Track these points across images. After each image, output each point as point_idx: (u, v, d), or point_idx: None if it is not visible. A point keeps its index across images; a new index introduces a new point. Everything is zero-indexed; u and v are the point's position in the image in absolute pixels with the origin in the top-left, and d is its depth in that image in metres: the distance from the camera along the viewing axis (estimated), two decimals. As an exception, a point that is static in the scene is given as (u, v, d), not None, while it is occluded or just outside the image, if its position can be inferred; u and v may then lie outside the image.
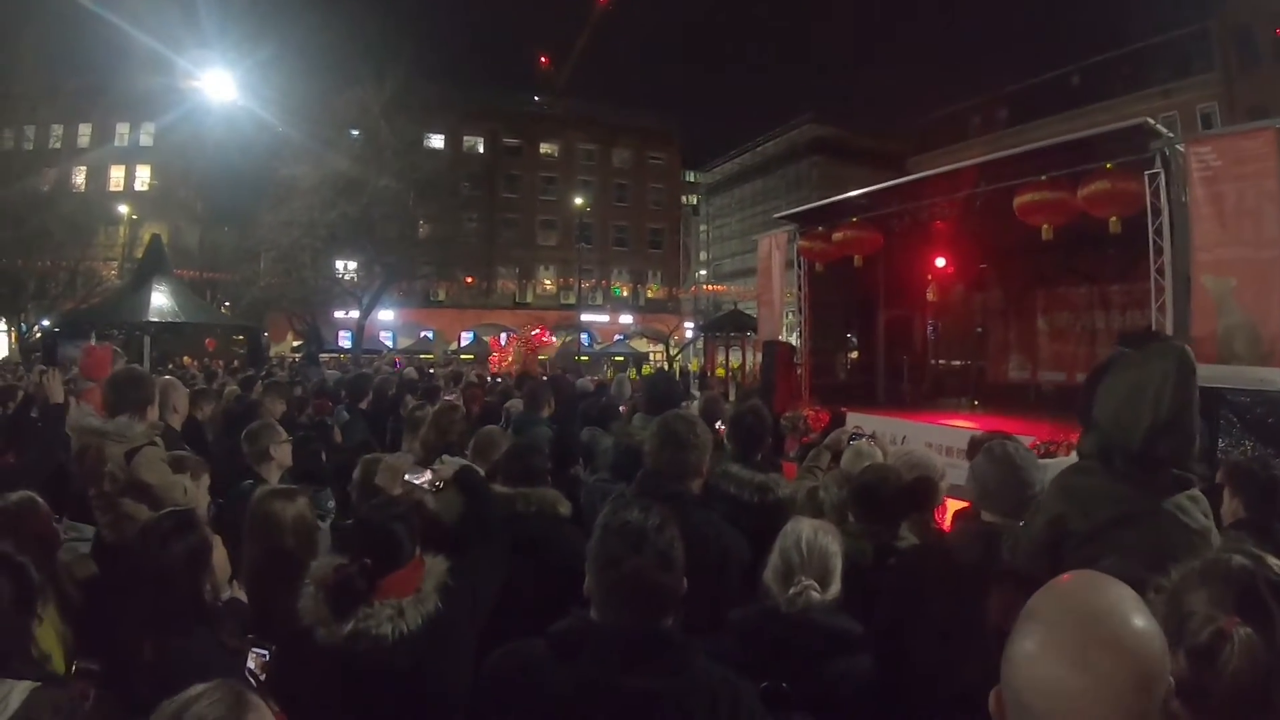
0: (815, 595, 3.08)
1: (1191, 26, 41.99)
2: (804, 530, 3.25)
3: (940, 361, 20.06)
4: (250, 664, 2.85)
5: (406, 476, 3.67)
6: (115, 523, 4.34)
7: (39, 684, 2.36)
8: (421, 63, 41.45)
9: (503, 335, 46.16)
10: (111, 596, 3.53)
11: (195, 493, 4.36)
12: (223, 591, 3.13)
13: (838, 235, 15.57)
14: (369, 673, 2.83)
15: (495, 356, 33.21)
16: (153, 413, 4.72)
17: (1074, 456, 3.59)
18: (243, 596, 3.34)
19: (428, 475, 3.71)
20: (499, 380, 15.26)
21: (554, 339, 38.23)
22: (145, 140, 49.45)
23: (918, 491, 4.31)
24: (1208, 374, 4.96)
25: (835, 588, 3.16)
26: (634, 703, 2.15)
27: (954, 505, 4.39)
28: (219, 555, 3.11)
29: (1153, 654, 1.26)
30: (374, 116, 39.18)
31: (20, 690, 2.31)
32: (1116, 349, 3.38)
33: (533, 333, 32.92)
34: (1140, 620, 1.28)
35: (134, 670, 2.69)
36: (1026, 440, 4.85)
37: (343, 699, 2.86)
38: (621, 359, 42.37)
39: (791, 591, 3.10)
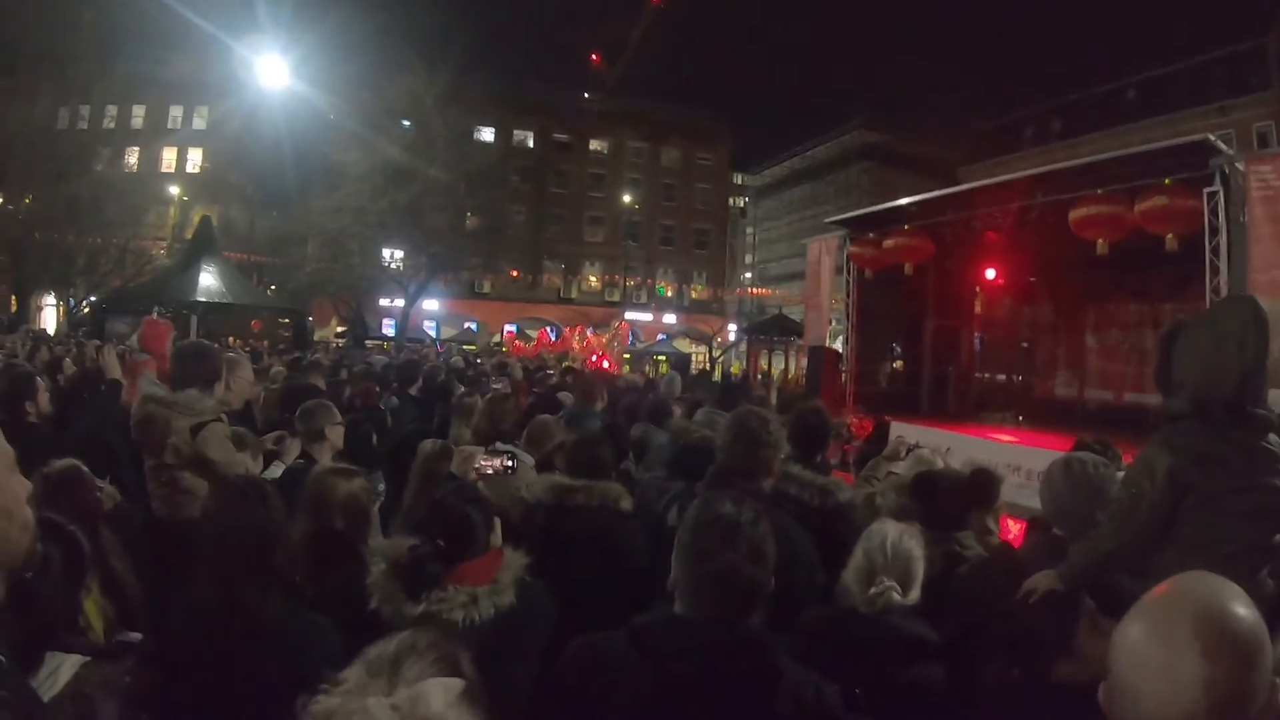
0: (896, 597, 3.07)
1: (1249, 43, 41.39)
2: (889, 532, 3.25)
3: (986, 375, 19.89)
4: None
5: (481, 461, 3.66)
6: (170, 496, 4.35)
7: (89, 659, 2.36)
8: (474, 55, 41.66)
9: (549, 329, 46.30)
10: (160, 569, 3.55)
11: (256, 472, 4.39)
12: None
13: (889, 242, 15.49)
14: None
15: (580, 347, 33.39)
16: (219, 388, 4.74)
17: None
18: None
19: (497, 462, 3.71)
20: (546, 373, 15.28)
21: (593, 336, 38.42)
22: (199, 123, 49.87)
23: (977, 487, 4.33)
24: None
25: (915, 593, 3.16)
26: (719, 699, 2.14)
27: (1011, 524, 4.37)
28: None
29: (1258, 645, 1.30)
30: (426, 107, 39.42)
31: (70, 665, 2.32)
32: (1178, 318, 3.49)
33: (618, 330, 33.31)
34: (1245, 612, 1.33)
35: (186, 641, 2.68)
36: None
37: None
38: (665, 358, 42.32)
39: (872, 591, 3.10)
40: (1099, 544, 3.25)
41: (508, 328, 53.08)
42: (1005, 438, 13.48)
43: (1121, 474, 3.62)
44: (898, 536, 3.24)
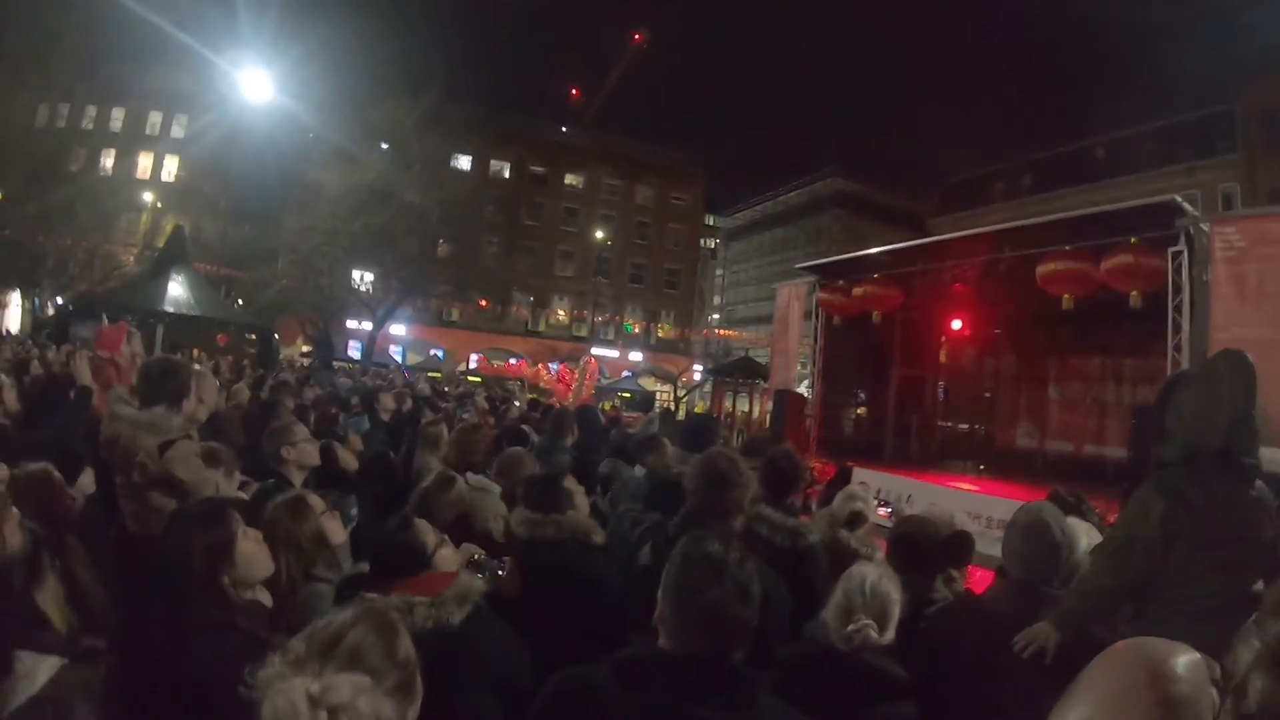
0: (873, 635, 3.17)
1: (1217, 107, 42.31)
2: (869, 574, 3.41)
3: (948, 423, 20.03)
4: None
5: (476, 557, 3.67)
6: (140, 514, 4.31)
7: (67, 661, 2.35)
8: (455, 82, 41.72)
9: (510, 362, 46.22)
10: (128, 584, 3.54)
11: (226, 489, 4.35)
12: (248, 589, 3.06)
13: (858, 290, 15.63)
14: None
15: (559, 385, 33.41)
16: (188, 405, 4.71)
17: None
18: (265, 598, 3.25)
19: (495, 563, 3.71)
20: (510, 406, 15.24)
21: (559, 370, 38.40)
22: (177, 131, 49.70)
23: (954, 548, 4.43)
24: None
25: (890, 633, 3.26)
26: None
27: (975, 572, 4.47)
28: (251, 549, 3.06)
29: (1201, 709, 1.37)
30: (406, 131, 39.46)
31: (48, 666, 2.31)
32: (1179, 369, 3.68)
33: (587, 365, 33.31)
34: (1188, 686, 1.37)
35: (144, 653, 2.67)
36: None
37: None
38: (629, 395, 42.32)
39: (850, 628, 3.19)
40: (1092, 586, 3.35)
41: (474, 357, 52.95)
42: (966, 486, 13.58)
43: (1088, 524, 3.75)
44: (877, 579, 3.36)
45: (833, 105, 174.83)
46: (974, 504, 10.92)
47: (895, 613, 3.31)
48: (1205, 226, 10.32)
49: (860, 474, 11.32)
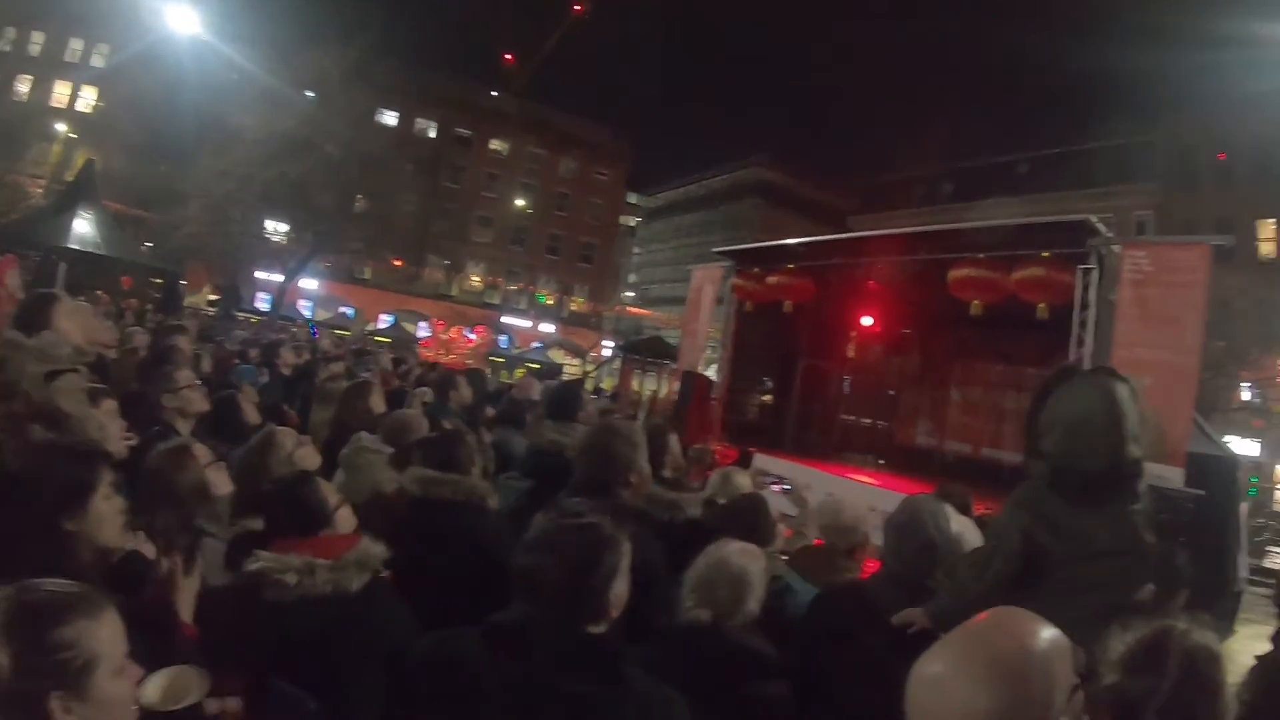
0: (729, 615, 3.21)
1: (1140, 137, 43.64)
2: (726, 551, 3.35)
3: (851, 417, 20.26)
4: None
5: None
6: (21, 449, 4.14)
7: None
8: (388, 36, 40.75)
9: (422, 324, 45.77)
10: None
11: (109, 431, 4.20)
12: (117, 541, 2.86)
13: (772, 279, 15.70)
14: (272, 626, 2.71)
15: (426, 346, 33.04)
16: (74, 336, 4.55)
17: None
18: (148, 550, 3.02)
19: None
20: (411, 368, 15.06)
21: (473, 337, 38.11)
22: (97, 61, 48.02)
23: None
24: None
25: (750, 608, 3.27)
26: (568, 706, 2.15)
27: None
28: (107, 511, 2.82)
29: (1047, 677, 1.43)
30: (332, 81, 38.44)
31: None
32: (1050, 381, 3.70)
33: (463, 333, 32.97)
34: (1042, 656, 1.44)
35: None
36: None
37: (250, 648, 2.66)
38: (538, 366, 42.18)
39: (698, 610, 3.23)
40: (962, 588, 3.42)
41: (384, 318, 52.32)
42: (865, 478, 13.75)
43: (962, 521, 3.86)
44: (733, 555, 3.37)
45: (766, 96, 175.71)
46: (872, 496, 11.04)
47: (753, 589, 3.33)
48: (1116, 248, 10.54)
49: (761, 460, 11.43)
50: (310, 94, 39.45)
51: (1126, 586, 3.38)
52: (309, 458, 4.03)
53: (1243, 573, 9.44)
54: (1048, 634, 1.47)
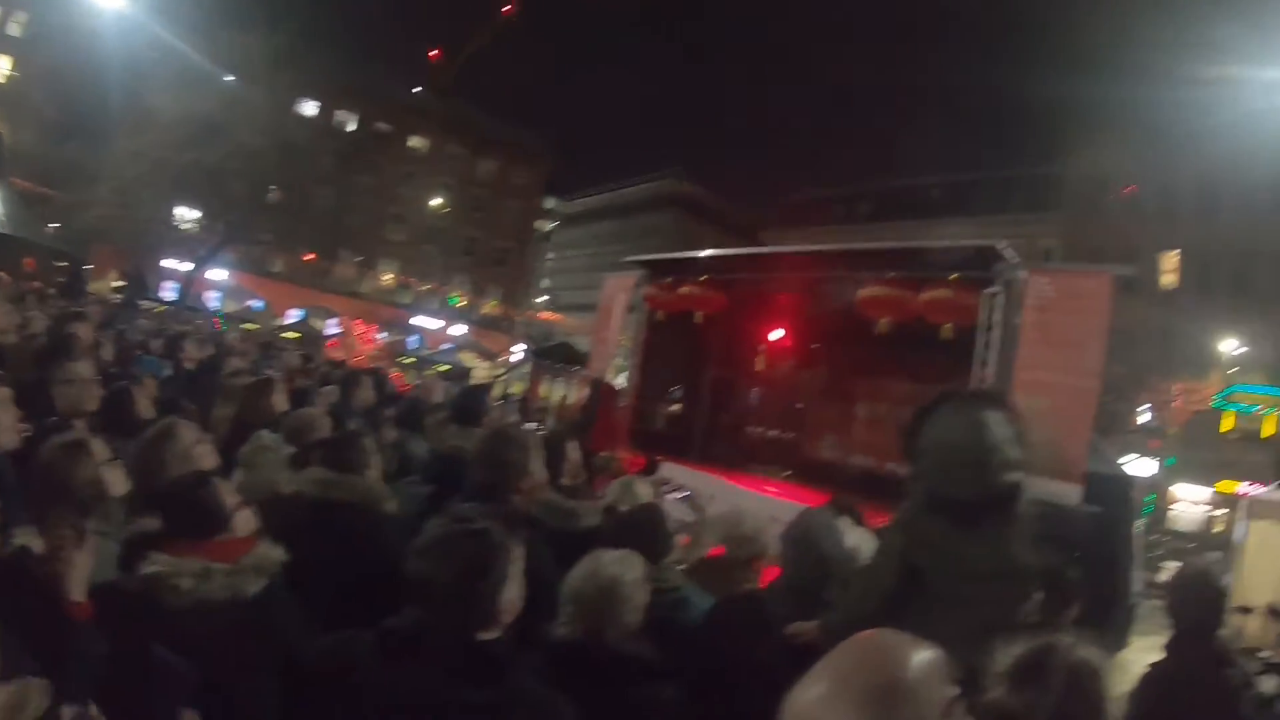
0: (604, 624, 3.24)
1: (1050, 167, 45.18)
2: (599, 561, 3.39)
3: (758, 429, 20.38)
4: None
5: None
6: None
7: None
8: (314, 24, 40.05)
9: (330, 321, 45.19)
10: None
11: (3, 421, 4.06)
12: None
13: (684, 289, 15.73)
14: (167, 632, 2.59)
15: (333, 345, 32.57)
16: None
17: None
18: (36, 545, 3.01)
19: None
20: (318, 365, 14.87)
21: (381, 337, 37.66)
22: (14, 29, 46.69)
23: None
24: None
25: (626, 618, 3.29)
26: (459, 712, 2.15)
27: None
28: None
29: (919, 696, 1.47)
30: (255, 66, 37.76)
31: None
32: (924, 408, 3.77)
33: (366, 331, 32.53)
34: (913, 676, 1.50)
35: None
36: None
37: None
38: (448, 368, 41.85)
39: (572, 622, 3.28)
40: (847, 605, 3.49)
41: (293, 313, 51.54)
42: (770, 490, 13.84)
43: (860, 534, 3.95)
44: (609, 564, 3.41)
45: (688, 109, 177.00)
46: (776, 508, 11.09)
47: (631, 596, 3.35)
48: (1022, 274, 10.78)
49: (669, 469, 11.46)
50: (232, 78, 38.68)
51: (1007, 605, 3.47)
52: (206, 455, 3.94)
53: (1137, 587, 9.71)
54: (920, 654, 1.54)
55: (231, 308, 47.52)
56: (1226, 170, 41.28)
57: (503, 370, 46.34)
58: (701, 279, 15.91)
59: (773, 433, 20.80)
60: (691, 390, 20.38)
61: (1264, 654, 10.82)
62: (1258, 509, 16.22)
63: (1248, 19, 32.45)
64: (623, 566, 3.43)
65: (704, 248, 17.12)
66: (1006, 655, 2.37)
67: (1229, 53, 32.01)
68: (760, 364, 20.12)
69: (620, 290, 18.98)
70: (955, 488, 3.59)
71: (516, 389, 39.62)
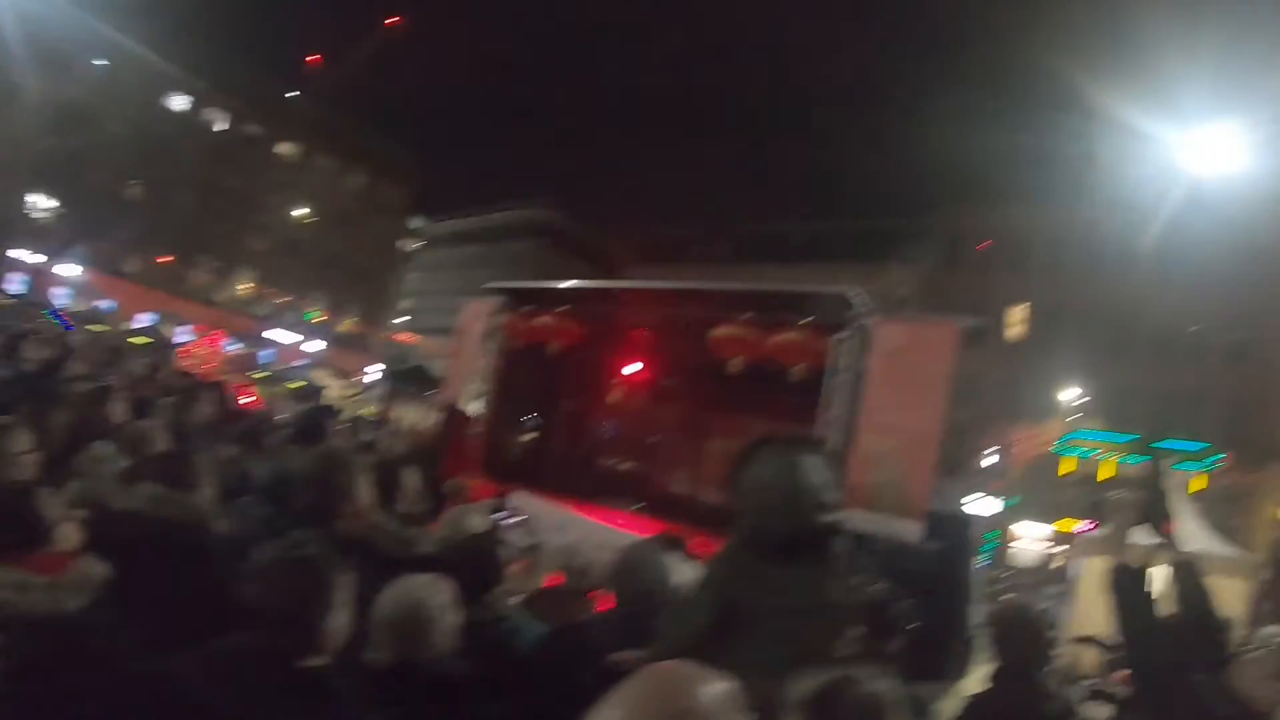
0: (413, 650, 3.28)
1: (912, 218, 47.25)
2: (404, 587, 3.46)
3: (611, 460, 20.46)
4: None
5: None
6: None
7: None
8: (191, 15, 38.90)
9: (182, 329, 43.89)
10: None
11: None
12: None
13: (543, 319, 15.71)
14: None
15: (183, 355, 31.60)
16: None
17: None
18: None
19: None
20: (163, 375, 14.39)
21: (231, 348, 36.73)
22: None
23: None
24: (856, 519, 6.04)
25: (441, 641, 3.38)
26: None
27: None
28: None
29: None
30: (126, 54, 36.52)
31: None
32: (745, 450, 3.98)
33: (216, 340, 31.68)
34: (704, 707, 1.58)
35: None
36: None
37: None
38: (300, 384, 41.02)
39: (383, 647, 3.29)
40: (669, 635, 3.61)
41: (143, 317, 49.76)
42: (620, 522, 13.91)
43: (689, 566, 4.11)
44: (414, 590, 3.46)
45: (562, 139, 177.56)
46: (625, 540, 11.16)
47: (438, 621, 3.41)
48: (871, 321, 11.12)
49: (519, 498, 11.45)
50: (102, 63, 37.30)
51: (820, 637, 3.61)
52: (30, 466, 3.82)
53: (976, 619, 10.05)
54: (711, 686, 1.62)
55: (81, 307, 45.66)
56: (1075, 228, 44.61)
57: (356, 390, 45.63)
58: (560, 309, 15.94)
59: (626, 465, 20.92)
60: (546, 421, 20.39)
61: (1092, 682, 11.42)
62: (1092, 546, 17.26)
63: (1107, 79, 34.45)
64: (429, 590, 3.46)
65: (568, 279, 17.14)
66: (803, 687, 2.50)
67: (1086, 114, 33.75)
68: (615, 397, 20.26)
69: (478, 316, 18.85)
70: (770, 524, 3.77)
71: (369, 411, 39.04)
